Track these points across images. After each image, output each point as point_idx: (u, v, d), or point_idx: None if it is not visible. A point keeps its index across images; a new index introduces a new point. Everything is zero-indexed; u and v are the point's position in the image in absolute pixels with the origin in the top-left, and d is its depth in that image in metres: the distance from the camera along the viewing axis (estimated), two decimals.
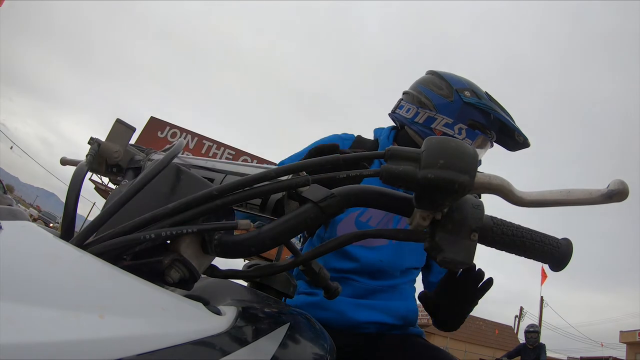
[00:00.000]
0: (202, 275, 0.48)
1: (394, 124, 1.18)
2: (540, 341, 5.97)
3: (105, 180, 0.69)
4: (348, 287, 0.99)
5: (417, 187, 0.41)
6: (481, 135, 1.07)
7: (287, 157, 1.07)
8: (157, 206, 0.40)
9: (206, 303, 0.39)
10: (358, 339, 0.95)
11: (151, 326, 0.28)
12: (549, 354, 6.26)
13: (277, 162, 1.09)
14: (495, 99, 1.11)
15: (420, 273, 1.12)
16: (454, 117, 1.05)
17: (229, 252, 0.44)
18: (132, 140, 0.64)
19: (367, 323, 0.96)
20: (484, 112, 1.06)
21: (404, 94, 1.16)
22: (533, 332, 5.94)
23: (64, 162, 0.69)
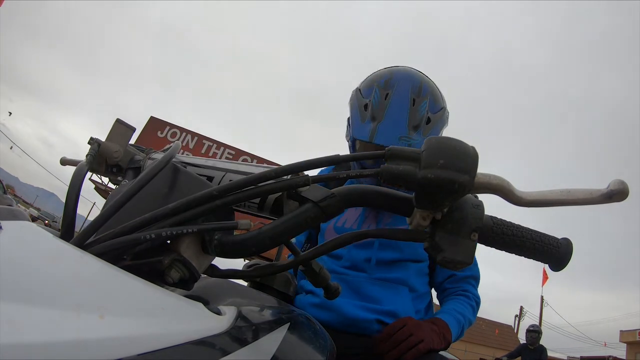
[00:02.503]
0: (202, 275, 0.48)
1: None
2: (541, 342, 5.95)
3: (105, 180, 0.69)
4: (343, 284, 0.98)
5: (417, 187, 0.41)
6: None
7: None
8: (157, 206, 0.40)
9: (206, 303, 0.39)
10: (360, 341, 0.95)
11: (151, 326, 0.28)
12: (549, 353, 6.24)
13: (277, 161, 1.09)
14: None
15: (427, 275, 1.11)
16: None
17: (229, 252, 0.44)
18: (132, 140, 0.64)
19: (366, 321, 0.96)
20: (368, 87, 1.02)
21: None
22: (533, 332, 5.91)
23: (64, 162, 0.69)
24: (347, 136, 1.11)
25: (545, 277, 14.26)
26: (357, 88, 1.07)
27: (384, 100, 0.96)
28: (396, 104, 0.95)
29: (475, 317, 1.05)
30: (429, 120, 0.97)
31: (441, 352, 0.99)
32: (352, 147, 1.09)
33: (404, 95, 0.96)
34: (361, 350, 0.92)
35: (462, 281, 1.08)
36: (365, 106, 0.99)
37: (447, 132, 1.07)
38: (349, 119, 1.08)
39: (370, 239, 1.02)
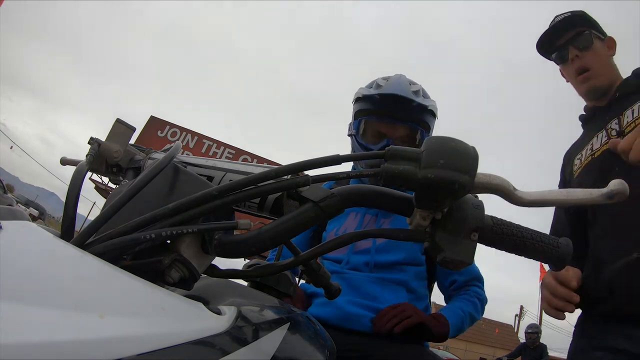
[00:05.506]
0: (202, 275, 0.48)
1: None
2: (541, 341, 5.96)
3: (105, 180, 0.69)
4: (343, 282, 1.01)
5: (417, 187, 0.41)
6: (364, 118, 1.13)
7: None
8: (157, 206, 0.40)
9: (206, 303, 0.39)
10: (357, 338, 0.95)
11: (151, 326, 0.28)
12: (549, 352, 6.25)
13: (277, 161, 1.13)
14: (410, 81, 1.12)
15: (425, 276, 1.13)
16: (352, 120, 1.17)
17: (229, 252, 0.44)
18: (132, 140, 0.64)
19: (362, 316, 0.98)
20: (367, 98, 1.12)
21: None
22: (532, 333, 5.93)
23: (64, 162, 0.69)
24: (348, 133, 1.18)
25: (542, 272, 14.22)
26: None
27: (385, 80, 1.13)
28: (396, 77, 1.13)
29: (479, 314, 1.08)
30: (425, 95, 1.12)
31: (440, 352, 1.00)
32: (355, 142, 1.15)
33: (402, 77, 1.15)
34: (358, 348, 0.93)
35: (465, 285, 1.12)
36: (370, 86, 1.15)
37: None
38: (350, 124, 1.18)
39: (367, 246, 1.05)
